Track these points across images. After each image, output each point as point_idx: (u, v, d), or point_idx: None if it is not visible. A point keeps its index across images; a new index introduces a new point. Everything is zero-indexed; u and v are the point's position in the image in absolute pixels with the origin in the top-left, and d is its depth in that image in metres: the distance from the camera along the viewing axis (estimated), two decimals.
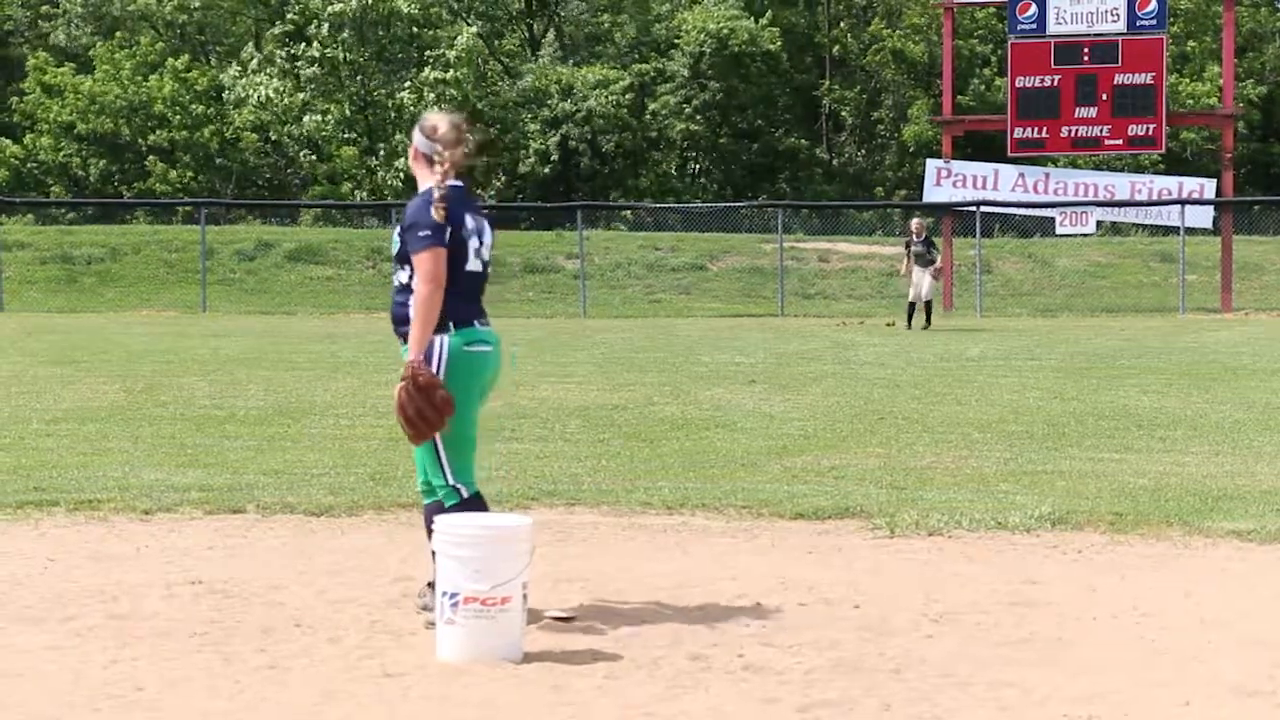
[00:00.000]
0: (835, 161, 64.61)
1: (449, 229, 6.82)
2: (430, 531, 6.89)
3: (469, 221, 6.92)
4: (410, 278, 6.86)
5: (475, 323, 6.93)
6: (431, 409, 6.74)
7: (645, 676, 6.16)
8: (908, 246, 31.59)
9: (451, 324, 6.85)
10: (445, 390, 6.76)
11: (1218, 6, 45.81)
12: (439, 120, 7.00)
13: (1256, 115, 59.14)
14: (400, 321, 6.95)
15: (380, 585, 7.61)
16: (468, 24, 59.13)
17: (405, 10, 56.06)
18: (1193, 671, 6.21)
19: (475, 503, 6.97)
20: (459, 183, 6.94)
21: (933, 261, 31.31)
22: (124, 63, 58.49)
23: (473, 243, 6.93)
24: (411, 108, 55.22)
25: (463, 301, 6.89)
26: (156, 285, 42.43)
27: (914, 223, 32.51)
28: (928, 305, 31.31)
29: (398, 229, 6.96)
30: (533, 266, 44.50)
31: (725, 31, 59.39)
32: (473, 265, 6.94)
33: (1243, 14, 59.17)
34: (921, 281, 31.09)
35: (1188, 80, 58.33)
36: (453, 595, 6.38)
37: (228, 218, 50.47)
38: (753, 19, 60.22)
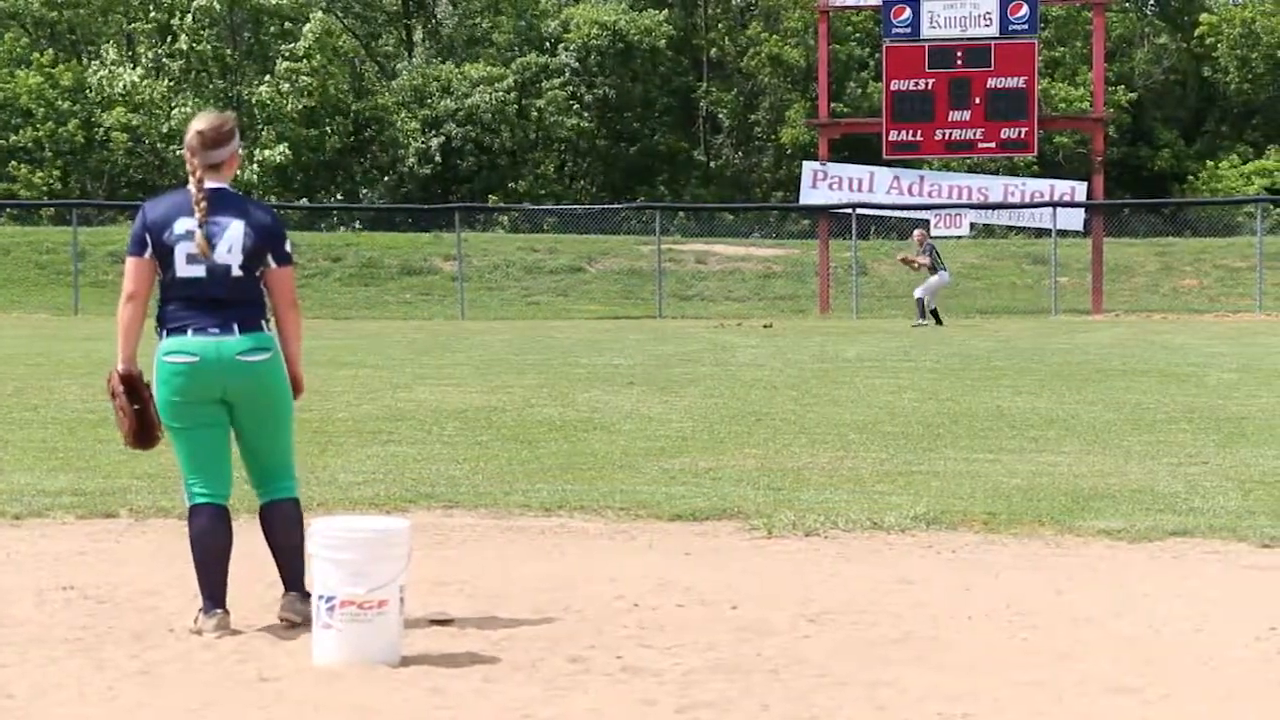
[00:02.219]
0: (713, 164, 64.84)
1: (147, 237, 6.79)
2: None
3: (179, 226, 6.76)
4: None
5: (189, 330, 6.77)
6: (115, 414, 7.01)
7: (524, 678, 6.15)
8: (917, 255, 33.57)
9: (164, 331, 6.83)
10: (122, 400, 6.90)
11: (1088, 12, 46.40)
12: (192, 123, 6.91)
13: (1127, 119, 60.00)
14: None
15: (256, 589, 7.53)
16: (322, 11, 58.32)
17: (273, 3, 55.54)
18: (1065, 669, 6.29)
19: (195, 513, 6.89)
20: (218, 184, 6.82)
21: (934, 269, 33.22)
22: None
23: (183, 247, 6.75)
24: (269, 102, 54.69)
25: (173, 309, 6.81)
26: (27, 288, 41.81)
27: (916, 233, 34.81)
28: (919, 302, 32.91)
29: None
30: (410, 269, 44.30)
31: (623, 24, 59.44)
32: (186, 271, 6.76)
33: (1113, 19, 60.04)
34: (925, 282, 33.18)
35: (1061, 84, 59.07)
36: (329, 599, 6.34)
37: (100, 219, 49.75)
38: (652, 10, 60.39)
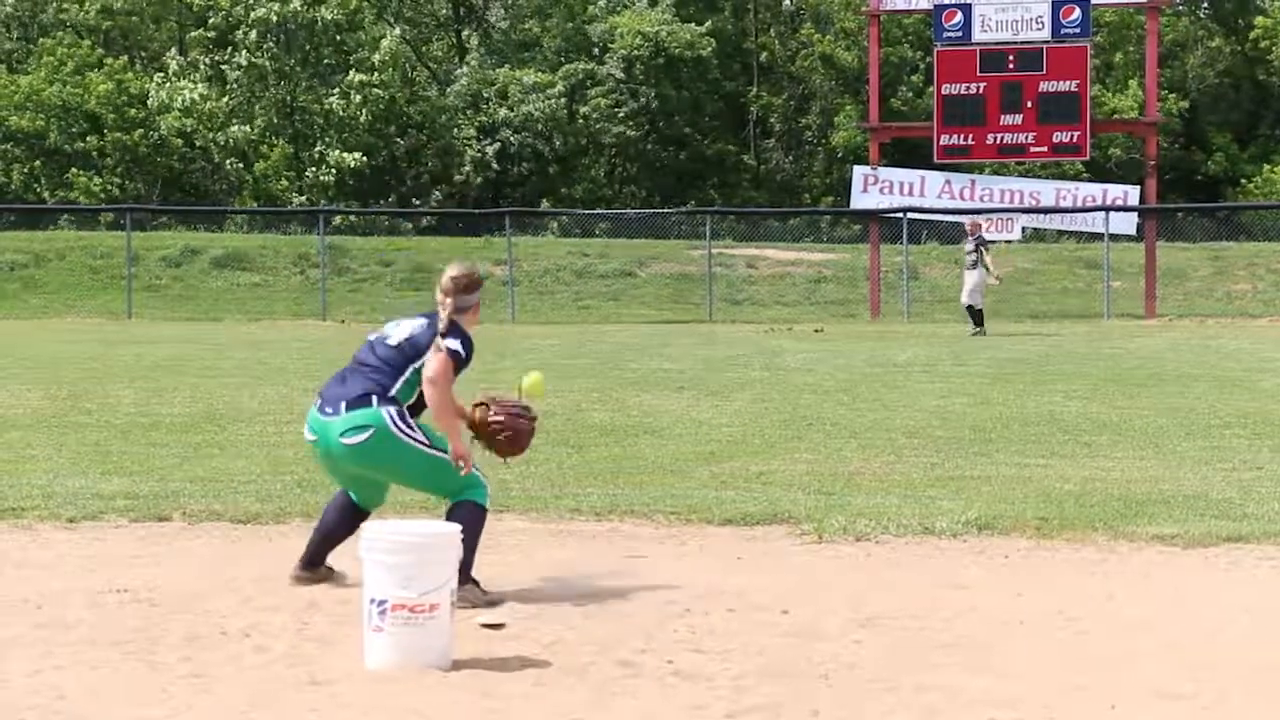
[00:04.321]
0: (763, 168, 64.74)
1: None
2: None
3: (391, 323, 7.72)
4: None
5: (315, 404, 7.54)
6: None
7: (574, 683, 6.16)
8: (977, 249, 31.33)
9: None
10: (488, 432, 8.21)
11: (1141, 16, 46.17)
12: (447, 269, 7.66)
13: (1178, 123, 59.63)
14: None
15: (308, 593, 7.57)
16: (390, 26, 58.81)
17: (330, 18, 55.81)
18: (1117, 675, 6.26)
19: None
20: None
21: (975, 265, 31.17)
22: (68, 59, 57.89)
23: (378, 331, 7.72)
24: (340, 112, 54.98)
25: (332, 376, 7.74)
26: (81, 292, 42.05)
27: (968, 222, 32.57)
28: (970, 309, 31.23)
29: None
30: None
31: (664, 35, 59.43)
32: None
33: (1164, 24, 59.65)
34: (966, 283, 31.35)
35: (1110, 93, 58.71)
36: (381, 603, 6.36)
37: (154, 223, 50.00)
38: (693, 23, 60.33)
